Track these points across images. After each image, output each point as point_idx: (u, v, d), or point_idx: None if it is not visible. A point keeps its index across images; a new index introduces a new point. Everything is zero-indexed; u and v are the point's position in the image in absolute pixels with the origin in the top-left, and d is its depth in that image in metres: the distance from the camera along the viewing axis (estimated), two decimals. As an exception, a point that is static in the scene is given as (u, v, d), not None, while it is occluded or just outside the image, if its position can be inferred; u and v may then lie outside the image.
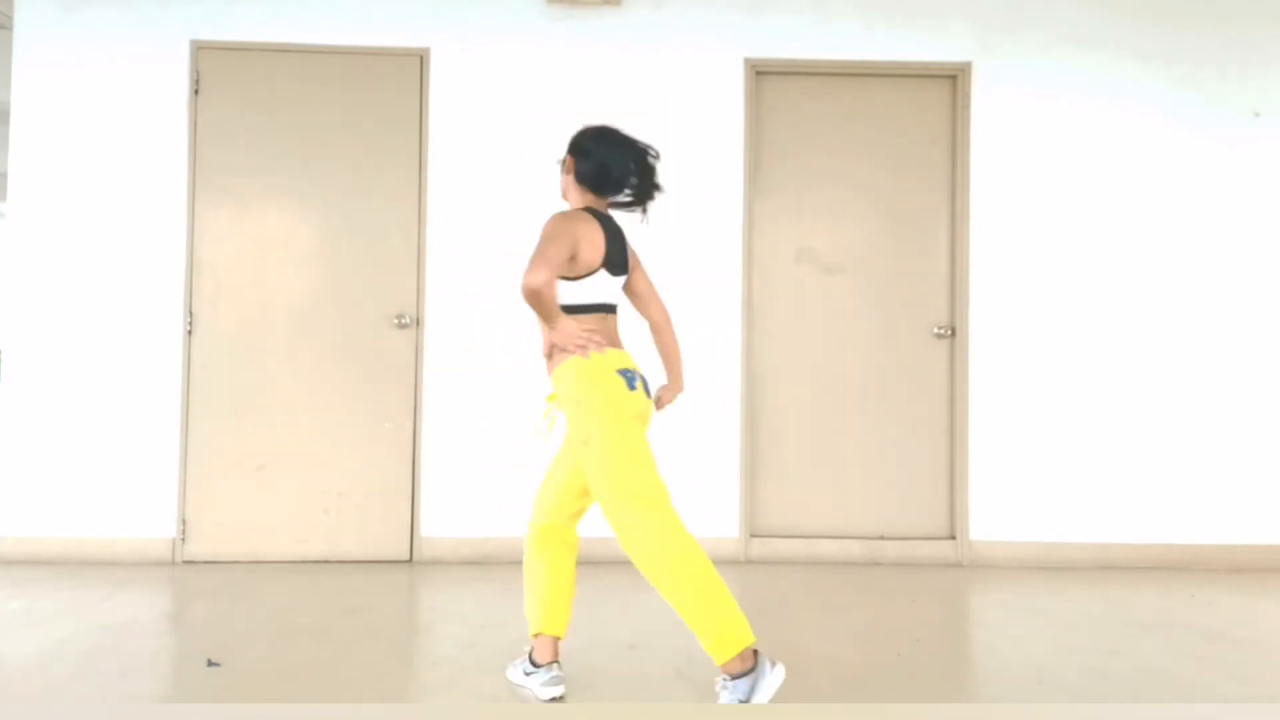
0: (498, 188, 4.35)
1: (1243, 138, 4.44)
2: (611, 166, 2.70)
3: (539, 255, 2.50)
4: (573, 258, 2.59)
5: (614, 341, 2.67)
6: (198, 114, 4.29)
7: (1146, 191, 4.44)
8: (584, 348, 2.56)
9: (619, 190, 2.74)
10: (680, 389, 2.90)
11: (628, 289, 2.82)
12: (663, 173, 2.83)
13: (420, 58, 4.35)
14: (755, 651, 2.44)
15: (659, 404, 2.85)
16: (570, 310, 2.62)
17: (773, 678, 2.40)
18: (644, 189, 2.77)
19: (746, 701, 2.38)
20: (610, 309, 2.70)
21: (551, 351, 2.62)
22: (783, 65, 4.44)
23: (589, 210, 2.70)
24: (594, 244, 2.61)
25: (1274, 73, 4.46)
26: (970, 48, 4.44)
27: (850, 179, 4.49)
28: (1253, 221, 4.44)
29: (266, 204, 4.30)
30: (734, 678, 2.42)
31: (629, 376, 2.58)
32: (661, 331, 2.88)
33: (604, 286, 2.66)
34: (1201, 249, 4.43)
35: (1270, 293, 4.43)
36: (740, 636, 2.41)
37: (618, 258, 2.69)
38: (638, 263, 2.84)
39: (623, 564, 4.12)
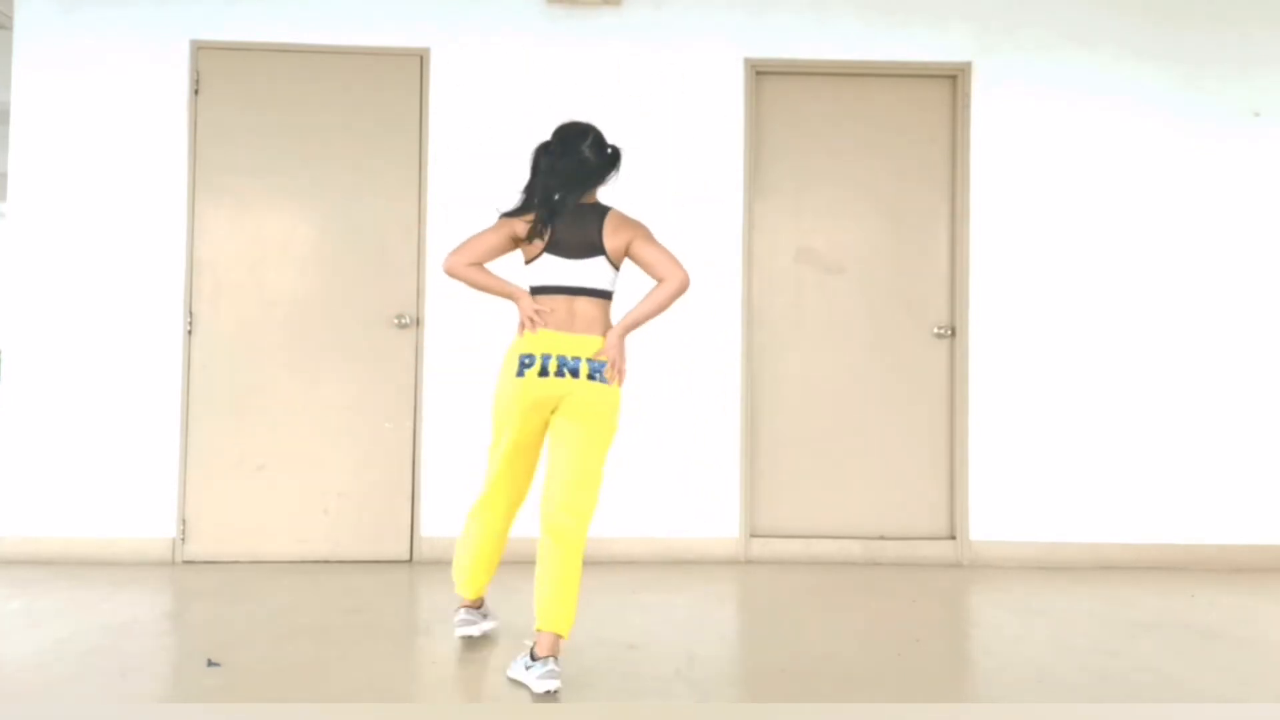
0: (498, 188, 4.34)
1: (1243, 138, 4.44)
2: (554, 165, 2.87)
3: (462, 243, 2.89)
4: (519, 244, 2.88)
5: (569, 325, 2.82)
6: (198, 114, 4.29)
7: (1146, 191, 4.43)
8: (521, 325, 2.87)
9: (575, 183, 2.85)
10: (610, 342, 2.81)
11: (638, 264, 2.87)
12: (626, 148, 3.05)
13: (420, 58, 4.35)
14: (477, 604, 3.14)
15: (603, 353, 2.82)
16: (533, 290, 2.89)
17: (458, 619, 3.11)
18: (603, 166, 2.90)
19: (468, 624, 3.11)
20: (570, 291, 2.83)
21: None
22: (783, 65, 4.44)
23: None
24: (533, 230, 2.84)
25: (1274, 73, 4.46)
26: (970, 48, 4.44)
27: (850, 179, 4.49)
28: (1253, 222, 4.44)
29: (266, 204, 4.29)
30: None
31: (525, 362, 2.80)
32: (655, 287, 2.83)
33: (550, 270, 2.84)
34: (1201, 249, 4.43)
35: (1270, 293, 4.43)
36: (461, 586, 3.10)
37: (572, 242, 2.82)
38: (627, 242, 2.83)
39: (622, 564, 4.13)
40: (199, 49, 4.29)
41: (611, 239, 2.82)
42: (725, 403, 4.34)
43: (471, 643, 3.12)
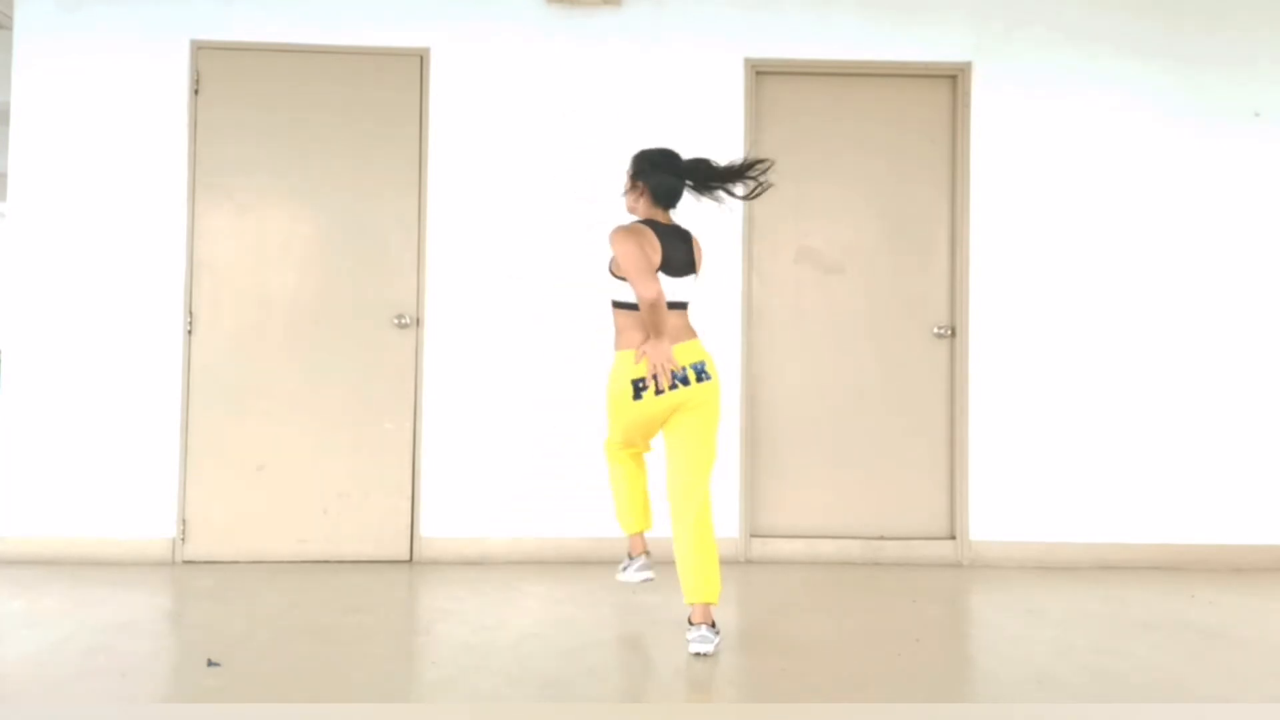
0: (498, 187, 4.35)
1: (1243, 138, 4.44)
2: (664, 185, 3.17)
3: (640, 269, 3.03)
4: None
5: (676, 338, 3.15)
6: (197, 114, 4.29)
7: (1146, 192, 4.43)
8: (641, 353, 3.16)
9: (673, 203, 3.20)
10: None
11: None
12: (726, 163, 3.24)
13: (420, 57, 4.35)
14: (646, 551, 3.37)
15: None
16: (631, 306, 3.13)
17: (630, 573, 3.36)
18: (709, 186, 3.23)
19: (622, 571, 3.40)
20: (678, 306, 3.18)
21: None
22: (783, 65, 4.44)
23: (648, 221, 3.15)
24: (654, 248, 3.07)
25: (1274, 73, 4.45)
26: (970, 48, 4.44)
27: (850, 179, 4.49)
28: (1252, 222, 4.44)
29: (266, 204, 4.29)
30: (630, 557, 3.39)
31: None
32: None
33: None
34: (1201, 249, 4.43)
35: (1270, 293, 4.43)
36: (627, 526, 3.37)
37: (675, 260, 3.11)
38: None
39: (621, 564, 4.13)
40: (199, 49, 4.29)
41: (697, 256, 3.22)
42: (725, 403, 4.32)
43: (471, 643, 3.12)
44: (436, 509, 4.27)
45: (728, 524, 4.31)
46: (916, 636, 3.26)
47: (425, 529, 4.27)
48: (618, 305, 3.14)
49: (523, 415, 4.29)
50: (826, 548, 4.36)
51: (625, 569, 3.39)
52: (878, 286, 4.47)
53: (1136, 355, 4.40)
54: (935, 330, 4.45)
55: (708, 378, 3.10)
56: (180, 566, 4.16)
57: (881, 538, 4.39)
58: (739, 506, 4.33)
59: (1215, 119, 4.44)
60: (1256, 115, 4.45)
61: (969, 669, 3.10)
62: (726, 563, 4.24)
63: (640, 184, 3.18)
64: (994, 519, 4.36)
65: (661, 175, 3.13)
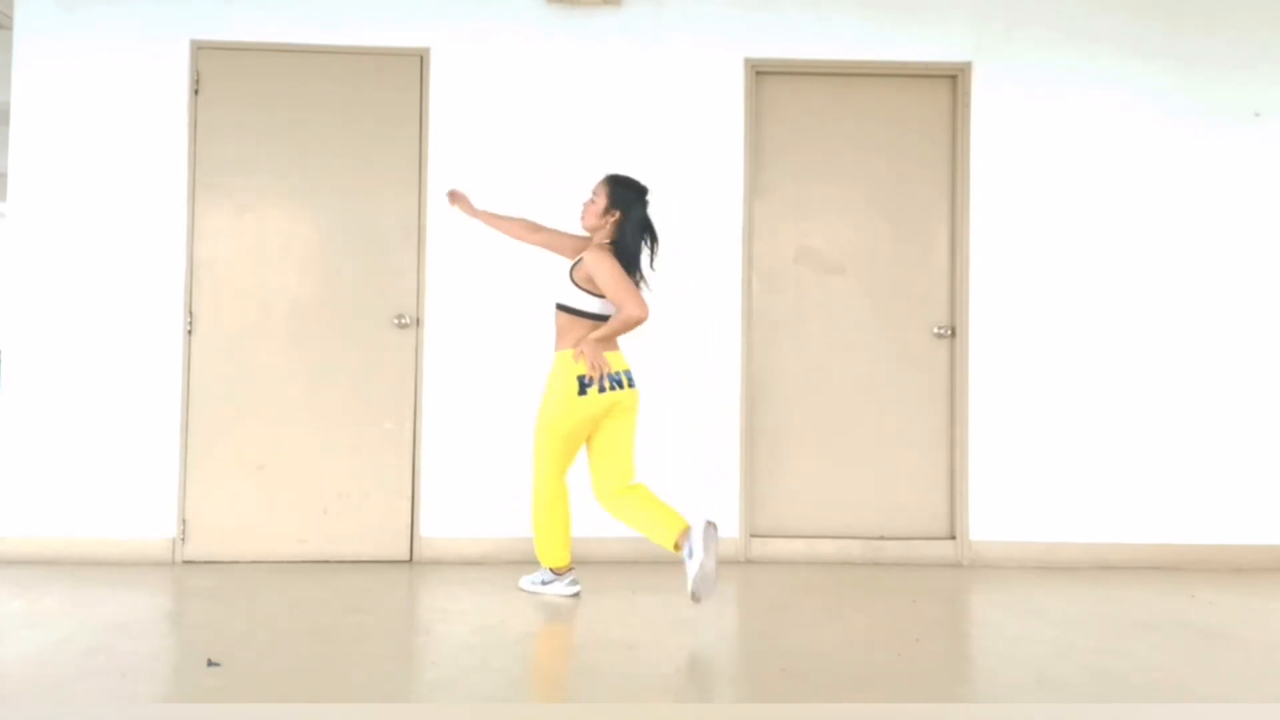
0: (498, 187, 4.35)
1: (1243, 137, 4.44)
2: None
3: (630, 288, 3.41)
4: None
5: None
6: (197, 113, 4.29)
7: (1146, 192, 4.43)
8: (579, 354, 3.49)
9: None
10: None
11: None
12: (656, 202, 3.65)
13: (420, 57, 4.35)
14: (562, 571, 3.63)
15: None
16: (599, 317, 3.47)
17: (557, 586, 3.63)
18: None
19: (536, 583, 3.68)
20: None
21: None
22: (783, 65, 4.44)
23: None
24: None
25: (1274, 72, 4.45)
26: (970, 48, 4.44)
27: (850, 179, 4.49)
28: (1253, 222, 4.44)
29: (266, 204, 4.29)
30: (555, 574, 3.64)
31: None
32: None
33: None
34: (1201, 249, 4.43)
35: (1270, 293, 4.43)
36: (549, 558, 3.60)
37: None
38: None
39: (622, 564, 4.14)
40: (199, 49, 4.29)
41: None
42: (725, 403, 4.33)
43: (471, 643, 3.12)
44: (436, 509, 4.27)
45: (728, 524, 4.31)
46: (916, 636, 3.26)
47: (425, 529, 4.27)
48: (565, 309, 3.46)
49: (523, 415, 4.28)
50: (826, 548, 4.36)
51: (551, 583, 3.65)
52: (878, 286, 4.47)
53: (1136, 355, 4.40)
54: (935, 330, 4.45)
55: (634, 385, 3.50)
56: (180, 566, 4.15)
57: (881, 538, 4.39)
58: (739, 506, 4.33)
59: (1215, 119, 4.44)
60: (1256, 115, 4.45)
61: (969, 669, 3.10)
62: (726, 563, 4.25)
63: (618, 214, 3.46)
64: (994, 519, 4.36)
65: (639, 217, 3.47)
